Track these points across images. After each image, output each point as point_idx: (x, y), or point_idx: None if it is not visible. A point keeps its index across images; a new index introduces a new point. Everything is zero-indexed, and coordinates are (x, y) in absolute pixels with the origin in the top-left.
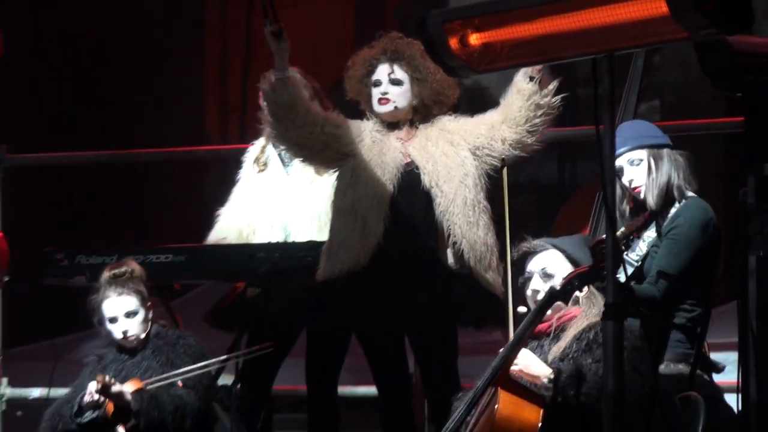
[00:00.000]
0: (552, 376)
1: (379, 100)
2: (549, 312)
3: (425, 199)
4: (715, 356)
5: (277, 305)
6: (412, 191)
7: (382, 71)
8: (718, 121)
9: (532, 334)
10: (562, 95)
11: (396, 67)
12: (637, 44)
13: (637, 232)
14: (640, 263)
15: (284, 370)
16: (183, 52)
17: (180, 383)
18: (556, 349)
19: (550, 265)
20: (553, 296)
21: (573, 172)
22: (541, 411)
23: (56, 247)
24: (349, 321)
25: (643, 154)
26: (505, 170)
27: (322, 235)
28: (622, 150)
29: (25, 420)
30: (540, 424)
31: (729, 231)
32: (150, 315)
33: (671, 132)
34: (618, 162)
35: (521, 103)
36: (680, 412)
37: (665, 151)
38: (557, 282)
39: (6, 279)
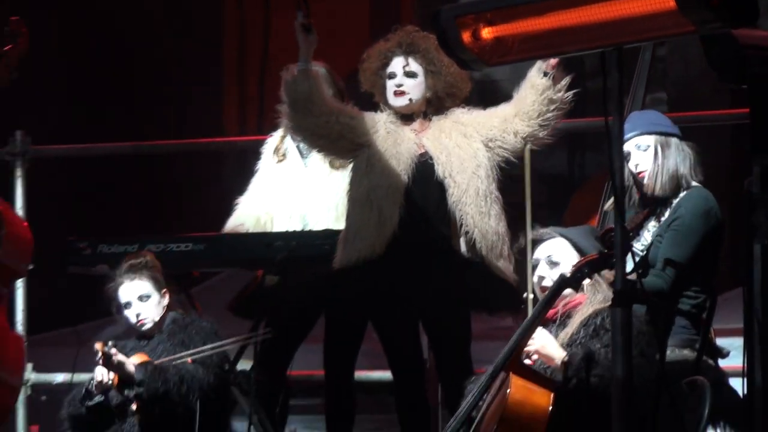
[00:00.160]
0: (566, 359)
1: (394, 92)
2: None
3: (439, 189)
4: (720, 342)
5: (294, 293)
6: (426, 181)
7: (397, 64)
8: (724, 112)
9: (541, 321)
10: (574, 91)
11: (411, 60)
12: (645, 38)
13: (638, 228)
14: (645, 252)
15: (302, 356)
16: (202, 45)
17: (189, 360)
18: (563, 335)
19: (555, 252)
20: (563, 283)
21: (582, 162)
22: (552, 395)
23: (79, 237)
24: (364, 308)
25: (650, 140)
26: (528, 149)
27: (340, 224)
28: (630, 135)
29: (50, 404)
30: (551, 408)
31: (735, 220)
32: (165, 301)
33: (677, 123)
34: (626, 147)
35: (535, 98)
36: (687, 396)
37: (673, 140)
38: (563, 269)
39: (30, 267)
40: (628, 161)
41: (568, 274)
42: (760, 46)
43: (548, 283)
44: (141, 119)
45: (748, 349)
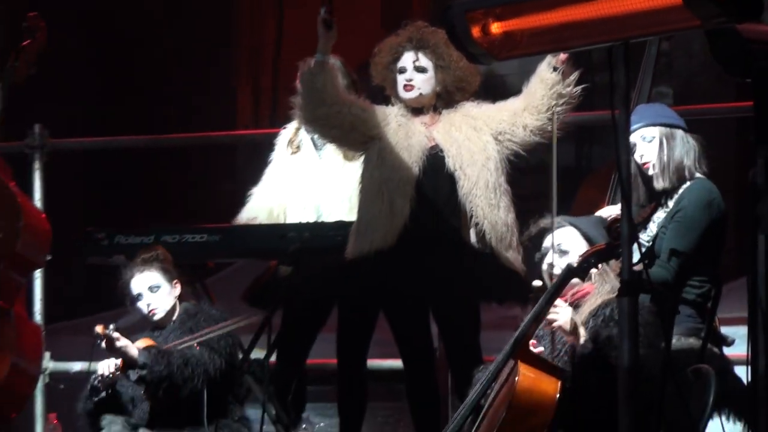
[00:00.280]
0: (588, 338)
1: (405, 86)
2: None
3: (449, 181)
4: (725, 330)
5: (307, 283)
6: (436, 174)
7: (408, 59)
8: (729, 105)
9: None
10: (583, 86)
11: (421, 55)
12: (651, 32)
13: (644, 222)
14: (651, 243)
15: (315, 345)
16: (216, 38)
17: (196, 345)
18: None
19: (565, 241)
20: (570, 272)
21: (590, 154)
22: (559, 383)
23: (96, 228)
24: (376, 298)
25: (655, 131)
26: (555, 121)
27: (353, 215)
28: (636, 126)
29: (67, 392)
30: (558, 396)
31: (740, 211)
32: (176, 291)
33: (683, 116)
34: (632, 138)
35: (544, 92)
36: (692, 383)
37: (679, 132)
38: (571, 258)
39: (48, 258)
40: (633, 152)
41: (575, 264)
42: (764, 40)
43: (558, 271)
44: (155, 112)
45: (752, 338)
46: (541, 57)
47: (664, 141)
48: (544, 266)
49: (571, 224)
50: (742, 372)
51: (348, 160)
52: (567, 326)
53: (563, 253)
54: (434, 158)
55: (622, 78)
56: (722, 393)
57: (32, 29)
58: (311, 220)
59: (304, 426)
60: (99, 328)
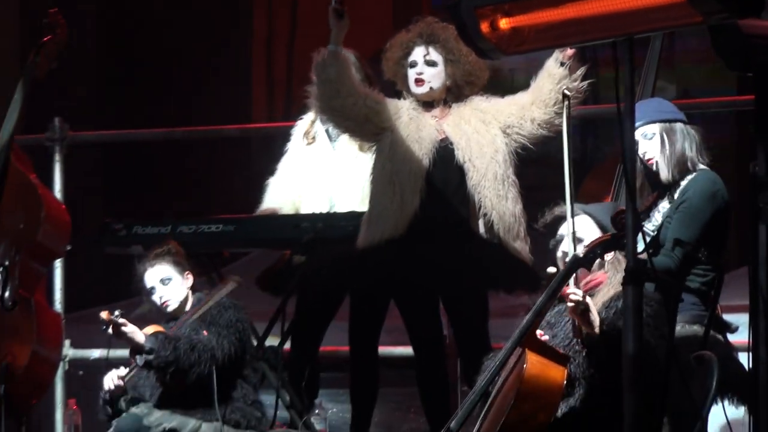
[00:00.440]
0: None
1: (415, 81)
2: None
3: (458, 173)
4: (728, 317)
5: (321, 272)
6: (446, 166)
7: (418, 53)
8: (731, 99)
9: (557, 298)
10: (589, 81)
11: (431, 49)
12: (655, 28)
13: (648, 210)
14: (656, 233)
15: (328, 332)
16: (232, 33)
17: (205, 332)
18: None
19: (579, 229)
20: (576, 262)
21: (595, 146)
22: (566, 371)
23: (114, 219)
24: (387, 286)
25: (655, 128)
26: (567, 104)
27: (365, 206)
28: (636, 125)
29: (86, 379)
30: (565, 383)
31: (742, 201)
32: (188, 282)
33: (687, 109)
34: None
35: (551, 86)
36: (695, 370)
37: (678, 125)
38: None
39: (68, 248)
40: (636, 149)
41: (581, 254)
42: (764, 35)
43: None
44: (172, 105)
45: (753, 325)
46: (548, 52)
47: (665, 136)
48: (559, 253)
49: (585, 212)
50: (745, 358)
51: (362, 151)
52: (586, 310)
53: (579, 240)
54: (444, 150)
55: (627, 72)
56: (725, 379)
57: (53, 25)
58: (324, 211)
59: (317, 411)
60: (104, 314)
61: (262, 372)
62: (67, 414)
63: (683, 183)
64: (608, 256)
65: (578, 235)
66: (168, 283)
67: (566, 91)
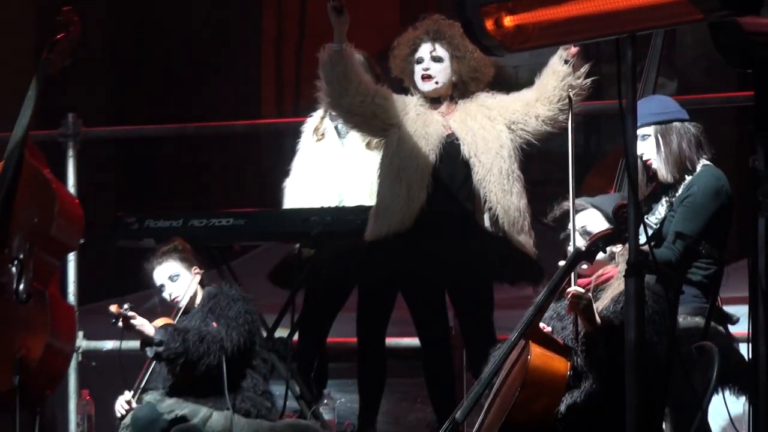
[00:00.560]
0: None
1: (422, 77)
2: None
3: (464, 168)
4: (729, 309)
5: (329, 265)
6: (452, 161)
7: (425, 50)
8: (732, 95)
9: (559, 292)
10: (593, 78)
11: (437, 46)
12: (657, 25)
13: (647, 200)
14: (659, 226)
15: (336, 324)
16: (242, 32)
17: (214, 324)
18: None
19: (589, 223)
20: (578, 256)
21: (598, 141)
22: (569, 362)
23: (127, 212)
24: (394, 278)
25: (650, 130)
26: (571, 102)
27: (373, 200)
28: None
29: (99, 370)
30: (569, 374)
31: (742, 195)
32: (196, 277)
33: (688, 105)
34: None
35: (556, 84)
36: (696, 360)
37: (675, 125)
38: None
39: (81, 242)
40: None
41: (584, 248)
42: (763, 32)
43: None
44: (183, 104)
45: (753, 316)
46: (551, 49)
47: (660, 138)
48: (570, 248)
49: (593, 205)
50: (746, 349)
51: (370, 147)
52: (589, 307)
53: (588, 234)
54: (450, 146)
55: (629, 68)
56: (726, 370)
57: (66, 23)
58: (333, 204)
59: (325, 401)
60: (113, 308)
61: (272, 363)
62: (80, 404)
63: (687, 179)
64: (618, 248)
65: (590, 229)
66: (176, 280)
67: (570, 91)
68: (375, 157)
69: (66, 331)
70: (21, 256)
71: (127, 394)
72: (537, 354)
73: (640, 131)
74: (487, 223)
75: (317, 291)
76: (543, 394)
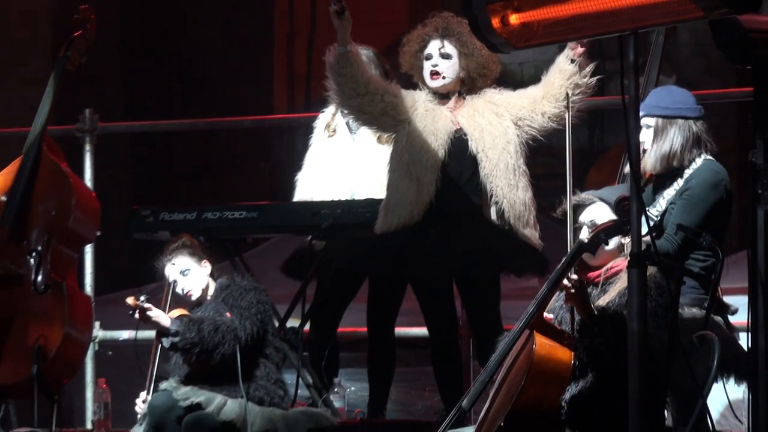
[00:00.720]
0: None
1: (431, 73)
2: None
3: (472, 163)
4: (729, 299)
5: (340, 257)
6: (460, 156)
7: (434, 46)
8: (732, 90)
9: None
10: (598, 77)
11: (446, 43)
12: (659, 22)
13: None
14: (659, 218)
15: (347, 314)
16: (254, 29)
17: (228, 314)
18: (601, 302)
19: (598, 216)
20: (581, 248)
21: (601, 136)
22: (573, 353)
23: (142, 205)
24: (404, 269)
25: (652, 121)
26: (569, 102)
27: (383, 194)
28: (642, 113)
29: (115, 359)
30: (573, 363)
31: (742, 188)
32: (206, 270)
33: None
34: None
35: (562, 82)
36: (697, 350)
37: (678, 121)
38: None
39: (98, 234)
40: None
41: (586, 240)
42: (763, 29)
43: None
44: (197, 102)
45: (752, 306)
46: (555, 46)
47: (658, 131)
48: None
49: (601, 199)
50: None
51: (380, 143)
52: (585, 299)
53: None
54: (458, 141)
55: (632, 65)
56: (725, 358)
57: (83, 21)
58: (344, 198)
59: (336, 390)
60: (130, 300)
61: (284, 352)
62: (97, 392)
63: (687, 172)
64: (628, 241)
65: (597, 222)
66: (188, 274)
67: (575, 89)
68: (385, 152)
69: (83, 321)
70: (39, 248)
71: (143, 395)
72: (541, 344)
73: (644, 120)
74: (493, 216)
75: (328, 282)
76: (547, 384)
